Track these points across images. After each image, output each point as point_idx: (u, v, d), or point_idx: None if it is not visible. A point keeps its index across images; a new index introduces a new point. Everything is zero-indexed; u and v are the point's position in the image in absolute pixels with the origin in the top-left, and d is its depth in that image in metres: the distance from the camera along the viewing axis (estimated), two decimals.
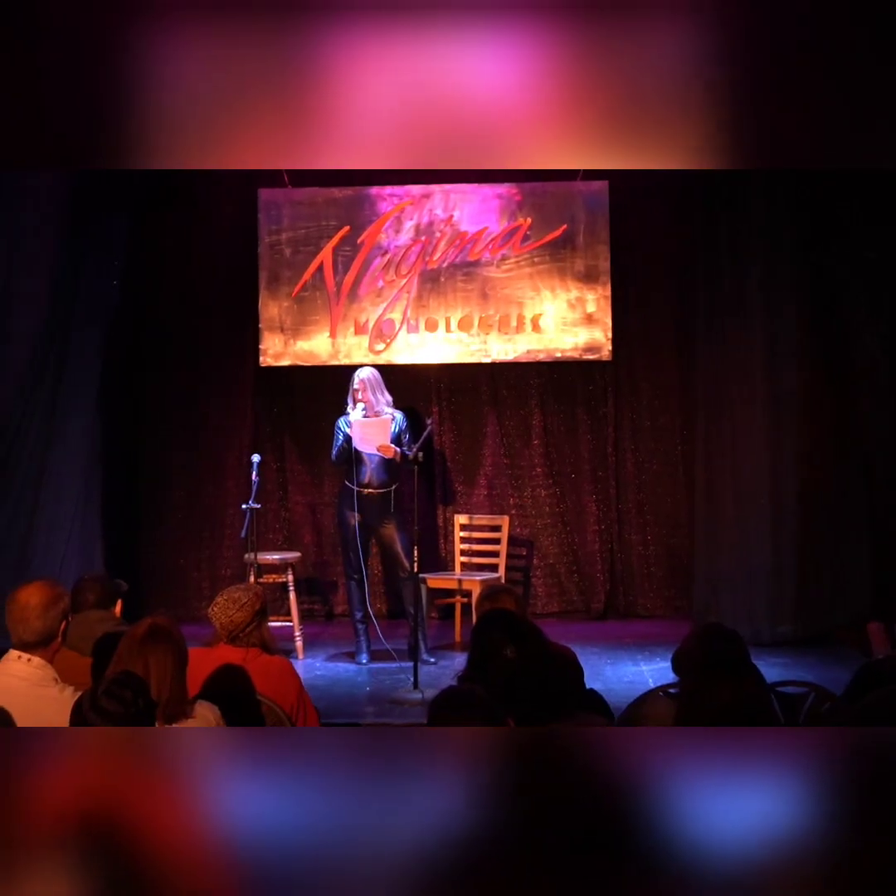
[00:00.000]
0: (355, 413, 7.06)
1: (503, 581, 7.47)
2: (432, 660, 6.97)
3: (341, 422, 7.15)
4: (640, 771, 2.23)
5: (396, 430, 7.05)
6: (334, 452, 7.14)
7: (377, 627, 7.01)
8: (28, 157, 3.09)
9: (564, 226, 8.39)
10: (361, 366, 7.46)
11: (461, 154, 3.02)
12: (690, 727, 2.57)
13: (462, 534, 8.04)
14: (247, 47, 2.93)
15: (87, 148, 3.04)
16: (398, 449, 6.96)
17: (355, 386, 7.10)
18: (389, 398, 7.25)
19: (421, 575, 6.74)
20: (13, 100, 2.92)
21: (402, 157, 3.06)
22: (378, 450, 6.95)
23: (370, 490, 7.04)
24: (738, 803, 2.22)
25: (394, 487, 7.13)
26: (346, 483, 7.15)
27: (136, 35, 2.92)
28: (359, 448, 7.00)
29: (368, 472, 7.05)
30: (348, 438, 7.04)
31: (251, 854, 2.23)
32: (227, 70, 2.93)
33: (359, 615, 7.14)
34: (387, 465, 7.06)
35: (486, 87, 2.94)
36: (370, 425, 6.98)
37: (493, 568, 7.77)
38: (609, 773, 2.22)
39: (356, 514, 7.02)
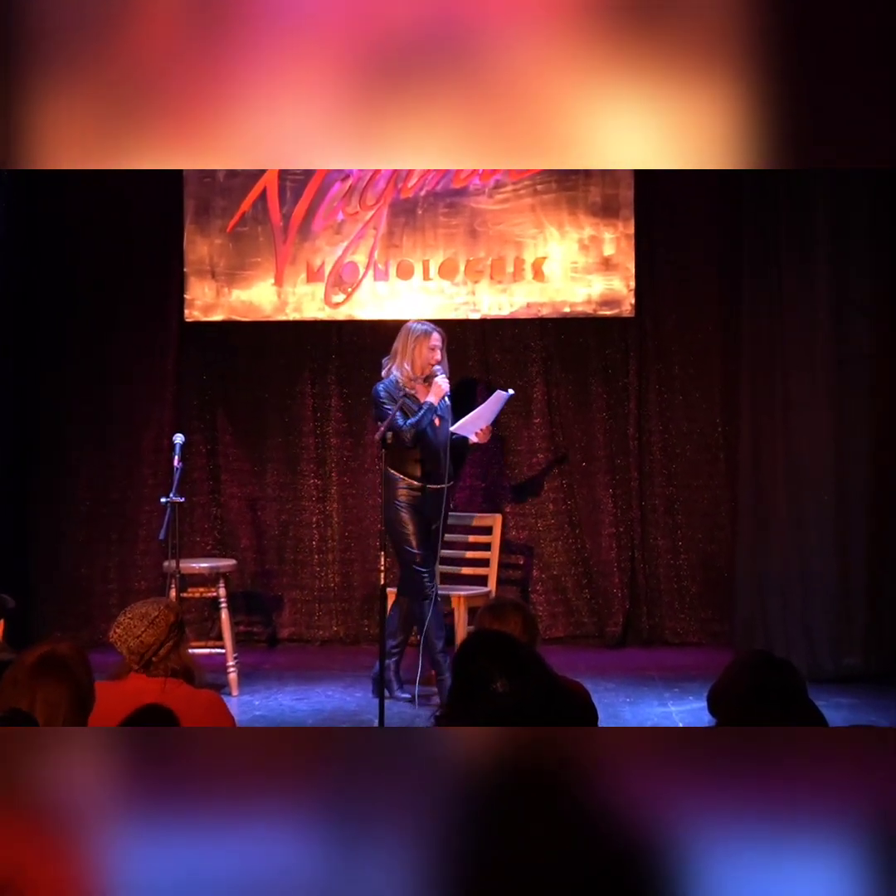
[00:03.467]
0: (443, 378, 6.87)
1: (494, 595, 7.34)
2: (405, 695, 6.97)
3: (383, 387, 6.82)
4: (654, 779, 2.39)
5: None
6: (410, 428, 6.73)
7: (407, 659, 6.93)
8: None
9: None
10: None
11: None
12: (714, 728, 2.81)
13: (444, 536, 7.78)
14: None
15: None
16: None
17: (434, 343, 6.87)
18: None
19: (388, 588, 6.65)
20: None
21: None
22: (478, 433, 6.92)
23: (439, 485, 6.89)
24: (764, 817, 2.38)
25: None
26: (400, 475, 6.86)
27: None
28: (476, 431, 6.86)
29: (440, 463, 6.87)
30: (428, 410, 6.78)
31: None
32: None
33: (395, 642, 7.01)
34: (452, 452, 6.99)
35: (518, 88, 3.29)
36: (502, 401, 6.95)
37: (482, 580, 7.65)
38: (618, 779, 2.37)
39: (420, 517, 6.88)
